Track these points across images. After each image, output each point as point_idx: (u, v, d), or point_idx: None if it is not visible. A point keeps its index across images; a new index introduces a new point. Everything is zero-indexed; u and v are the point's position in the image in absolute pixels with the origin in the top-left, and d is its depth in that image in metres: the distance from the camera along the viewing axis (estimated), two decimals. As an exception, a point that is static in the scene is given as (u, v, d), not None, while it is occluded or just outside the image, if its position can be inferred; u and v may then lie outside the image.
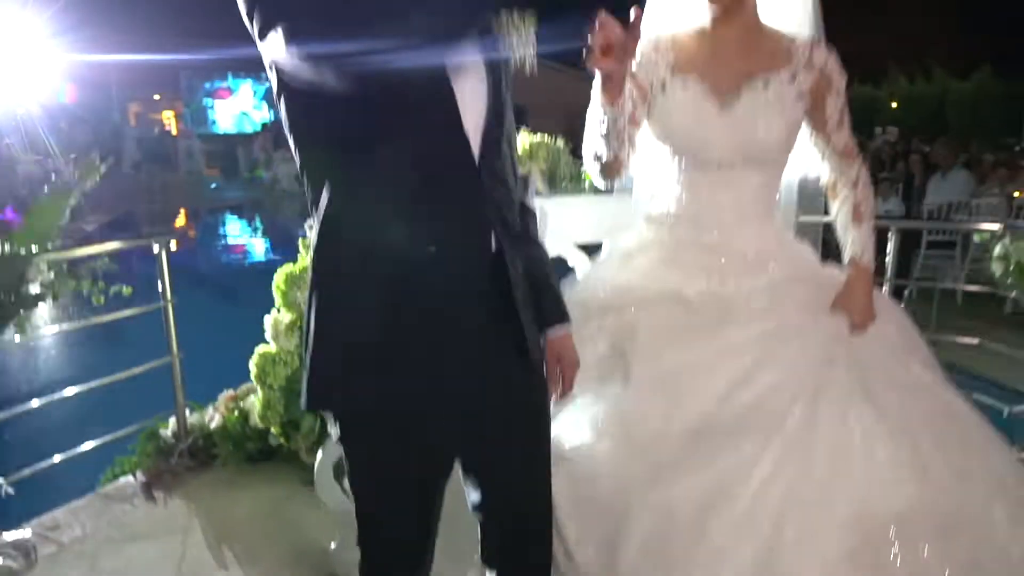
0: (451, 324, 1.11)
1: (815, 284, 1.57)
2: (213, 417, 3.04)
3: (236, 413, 3.01)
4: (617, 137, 1.41)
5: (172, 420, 3.10)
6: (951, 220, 6.82)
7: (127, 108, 27.59)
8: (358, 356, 1.11)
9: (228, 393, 3.26)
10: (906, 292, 5.68)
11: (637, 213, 1.70)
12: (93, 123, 21.02)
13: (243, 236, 15.00)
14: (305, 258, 2.66)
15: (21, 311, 2.34)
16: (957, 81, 13.62)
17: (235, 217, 16.32)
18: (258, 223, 15.89)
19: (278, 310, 2.67)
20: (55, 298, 2.42)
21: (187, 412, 3.14)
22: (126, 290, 2.56)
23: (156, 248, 2.90)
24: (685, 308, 1.45)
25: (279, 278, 2.60)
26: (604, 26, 1.18)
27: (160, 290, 2.95)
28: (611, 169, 1.50)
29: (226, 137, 25.40)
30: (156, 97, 27.55)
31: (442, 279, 1.10)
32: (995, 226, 3.01)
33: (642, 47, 1.43)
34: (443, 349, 1.11)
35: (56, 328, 2.82)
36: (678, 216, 1.58)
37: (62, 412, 3.12)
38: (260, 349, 2.68)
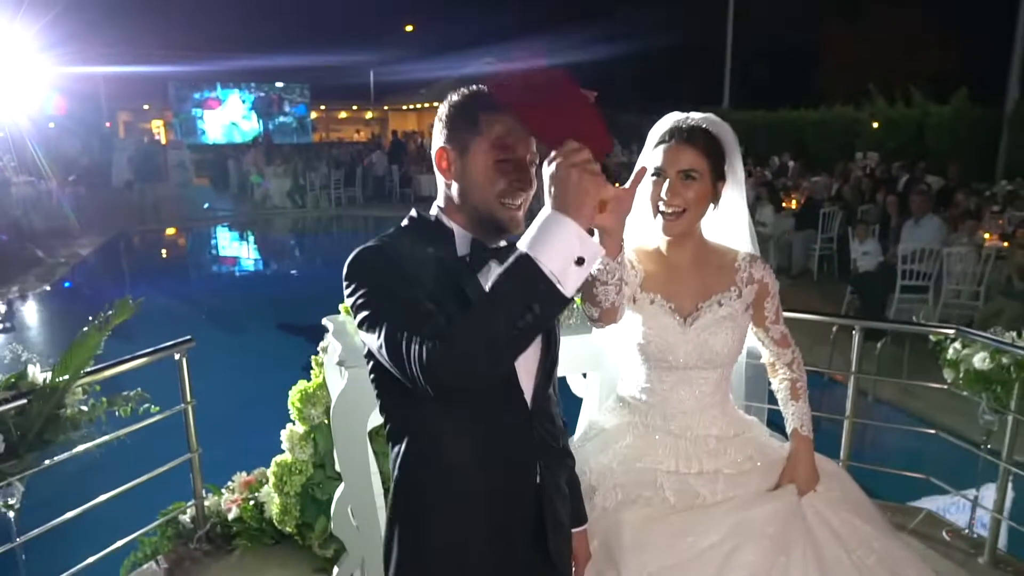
0: (502, 547, 1.35)
1: (767, 462, 1.83)
2: (231, 508, 3.27)
3: (252, 503, 3.24)
4: (616, 287, 1.53)
5: (191, 508, 3.33)
6: (924, 263, 7.14)
7: (116, 118, 27.61)
8: None
9: (243, 478, 3.50)
10: (879, 344, 5.97)
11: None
12: (82, 134, 21.07)
13: (238, 255, 15.10)
14: (318, 375, 2.89)
15: (61, 435, 2.57)
16: (936, 105, 13.96)
17: (229, 233, 16.42)
18: (251, 240, 16.02)
19: (293, 423, 2.91)
20: (91, 421, 2.64)
21: (204, 493, 3.38)
22: (154, 409, 2.78)
23: (177, 356, 3.12)
24: (661, 501, 1.70)
25: (294, 396, 2.84)
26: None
27: (181, 393, 3.17)
28: (608, 315, 1.61)
29: (216, 147, 25.47)
30: (145, 107, 27.59)
31: (498, 509, 1.34)
32: (949, 330, 3.28)
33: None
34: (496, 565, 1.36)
35: (89, 444, 3.03)
36: (648, 404, 1.85)
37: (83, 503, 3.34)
38: (277, 459, 2.92)
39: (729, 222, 1.91)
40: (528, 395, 1.36)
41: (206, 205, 17.83)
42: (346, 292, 1.30)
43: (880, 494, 4.01)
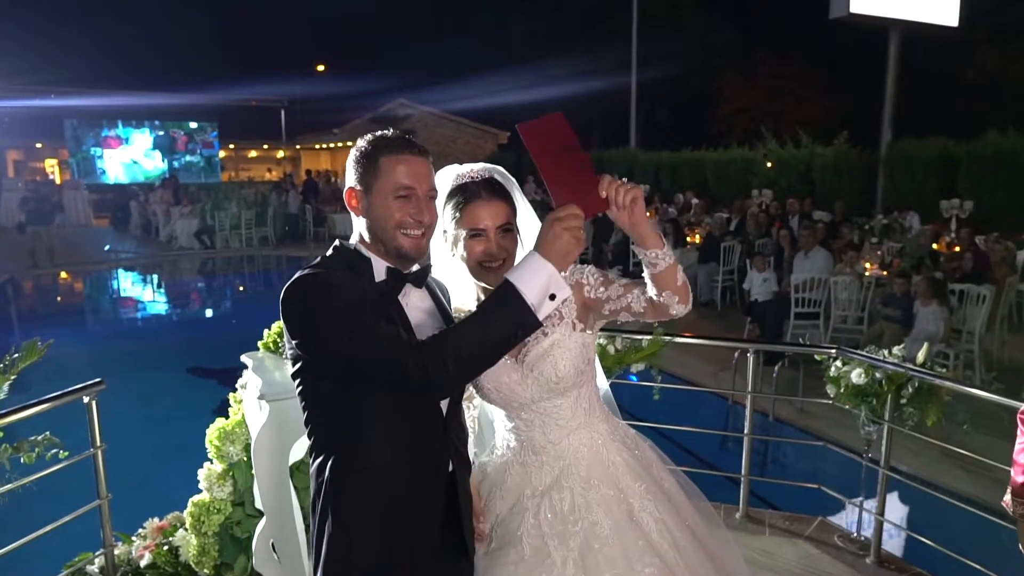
0: (421, 529, 1.56)
1: (624, 517, 1.83)
2: (143, 555, 3.18)
3: (166, 548, 3.16)
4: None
5: (99, 557, 3.21)
6: (814, 291, 7.72)
7: (5, 156, 26.09)
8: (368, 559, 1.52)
9: (155, 523, 3.40)
10: (776, 367, 6.39)
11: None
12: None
13: (143, 299, 14.45)
14: (236, 412, 2.90)
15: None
16: (821, 147, 15.15)
17: (132, 278, 15.70)
18: (156, 283, 15.37)
19: (211, 461, 2.89)
20: (-8, 470, 2.55)
21: (114, 541, 3.26)
22: (63, 454, 2.71)
23: (86, 399, 3.04)
24: (518, 554, 1.76)
25: (212, 434, 2.83)
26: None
27: (90, 437, 3.08)
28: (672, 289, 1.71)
29: (117, 187, 24.46)
30: (38, 145, 26.21)
31: (419, 497, 1.56)
32: (831, 349, 3.62)
33: None
34: (415, 546, 1.56)
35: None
36: (519, 442, 1.90)
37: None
38: (195, 499, 2.88)
39: (530, 242, 1.94)
40: (443, 405, 1.61)
41: (107, 247, 17.01)
42: (289, 314, 1.45)
43: (778, 504, 4.32)
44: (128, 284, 15.32)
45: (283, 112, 30.20)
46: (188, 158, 26.84)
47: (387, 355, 1.38)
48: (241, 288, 15.36)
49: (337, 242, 1.63)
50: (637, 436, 2.01)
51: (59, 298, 14.52)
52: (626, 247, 11.89)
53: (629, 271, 11.70)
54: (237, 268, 16.62)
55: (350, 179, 1.60)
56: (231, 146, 31.04)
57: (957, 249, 8.82)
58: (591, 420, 1.89)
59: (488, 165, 1.89)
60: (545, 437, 1.86)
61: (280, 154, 33.40)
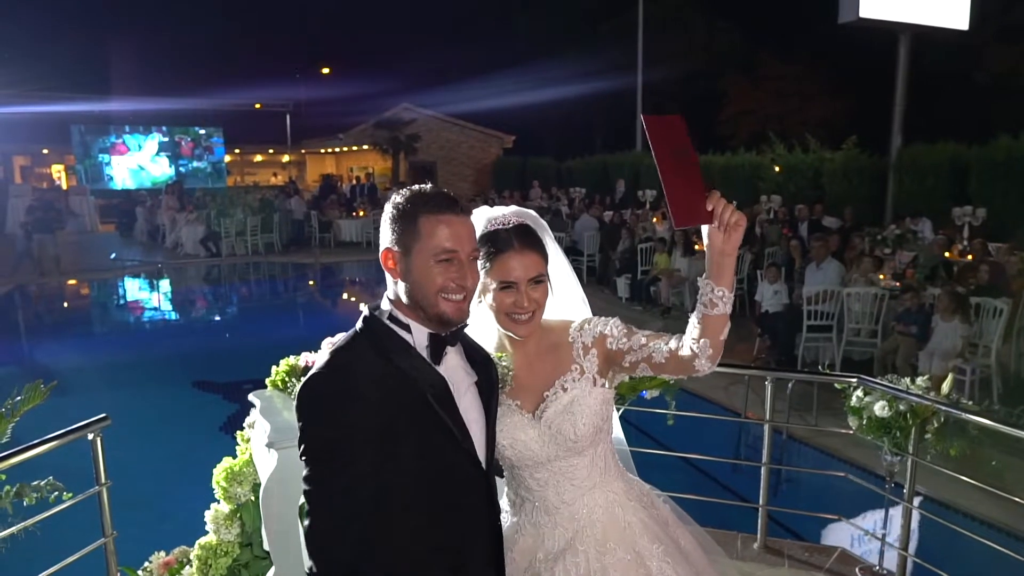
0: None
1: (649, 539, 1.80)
2: (149, 593, 3.11)
3: (172, 587, 3.09)
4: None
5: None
6: (826, 303, 7.61)
7: (12, 162, 26.13)
8: None
9: (162, 559, 3.32)
10: (791, 383, 6.28)
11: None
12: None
13: (149, 307, 14.42)
14: (244, 452, 2.82)
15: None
16: (830, 153, 15.01)
17: (138, 285, 15.68)
18: (162, 290, 15.34)
19: (218, 502, 2.81)
20: (-6, 515, 2.48)
21: (118, 579, 3.19)
22: (66, 496, 2.64)
23: (91, 436, 2.97)
24: None
25: (219, 475, 2.75)
26: None
27: (95, 475, 3.01)
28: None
29: (123, 192, 24.49)
30: (45, 151, 26.25)
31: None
32: (852, 379, 3.52)
33: None
34: None
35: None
36: (531, 504, 1.82)
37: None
38: (201, 541, 2.81)
39: (560, 291, 1.91)
40: (482, 457, 1.55)
41: (113, 255, 16.98)
42: (298, 419, 1.39)
43: (798, 533, 4.22)
44: (134, 291, 15.30)
45: (288, 116, 30.19)
46: (194, 163, 26.84)
47: (318, 535, 1.37)
48: (246, 295, 15.33)
49: (366, 311, 1.51)
50: (652, 493, 1.94)
51: (65, 305, 14.50)
52: (633, 256, 11.78)
53: (636, 279, 11.60)
54: (243, 275, 16.58)
55: (386, 239, 1.49)
56: (236, 151, 31.06)
57: (970, 257, 8.71)
58: (607, 479, 1.83)
59: (520, 210, 1.83)
60: (559, 497, 1.79)
61: (285, 158, 33.41)
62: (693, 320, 1.63)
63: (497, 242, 1.73)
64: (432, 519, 1.44)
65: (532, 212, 1.86)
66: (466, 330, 1.69)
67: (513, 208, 1.82)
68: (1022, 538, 3.07)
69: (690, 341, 1.62)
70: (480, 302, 1.75)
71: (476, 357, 1.63)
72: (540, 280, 1.74)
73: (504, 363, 1.79)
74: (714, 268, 1.58)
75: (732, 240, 1.54)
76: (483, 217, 1.77)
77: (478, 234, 1.68)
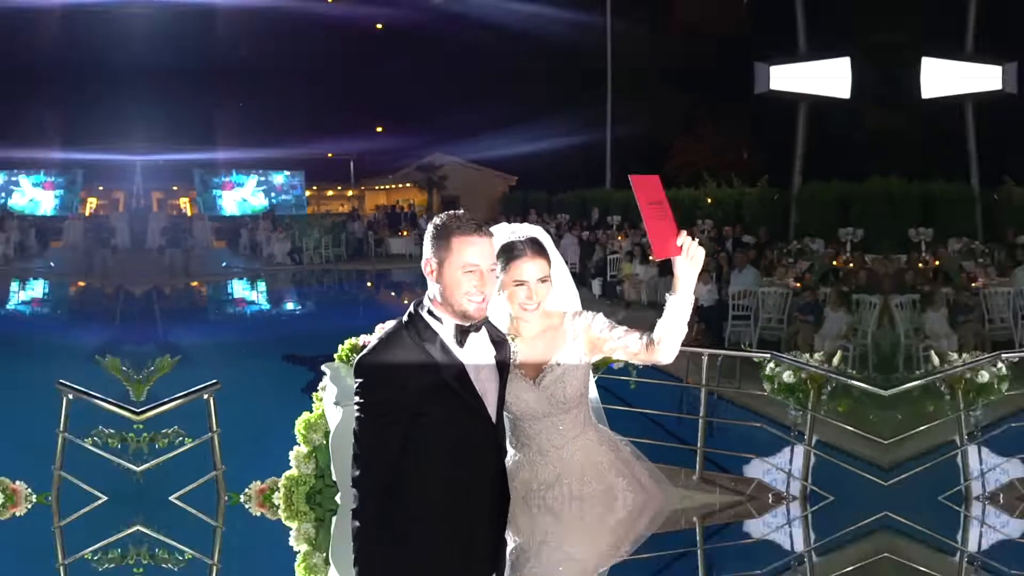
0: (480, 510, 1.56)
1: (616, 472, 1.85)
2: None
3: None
4: None
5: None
6: (746, 299, 7.56)
7: (151, 196, 26.23)
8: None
9: (258, 487, 3.24)
10: (720, 358, 6.24)
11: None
12: (127, 216, 19.90)
13: (251, 302, 14.46)
14: (319, 408, 2.81)
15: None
16: (749, 188, 14.97)
17: (242, 286, 15.73)
18: (260, 289, 15.40)
19: (299, 444, 2.80)
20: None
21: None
22: (188, 440, 2.62)
23: (206, 396, 2.95)
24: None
25: (300, 425, 2.74)
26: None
27: (208, 425, 2.98)
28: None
29: (232, 218, 24.61)
30: (175, 188, 26.38)
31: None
32: (766, 354, 3.49)
33: None
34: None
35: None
36: (529, 446, 1.82)
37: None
38: (287, 473, 2.79)
39: (559, 287, 1.90)
40: (493, 413, 1.55)
41: (224, 264, 17.10)
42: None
43: (726, 468, 4.17)
44: (239, 291, 15.37)
45: (352, 163, 30.37)
46: (283, 197, 26.96)
47: (362, 463, 1.43)
48: (321, 293, 15.40)
49: (412, 307, 1.52)
50: (618, 439, 1.96)
51: (188, 301, 14.57)
52: (604, 264, 11.80)
53: (607, 281, 11.58)
54: (319, 278, 16.71)
55: (427, 251, 1.51)
56: (314, 187, 31.17)
57: (851, 265, 8.65)
58: (585, 430, 1.85)
59: (533, 227, 1.87)
60: (550, 443, 1.81)
61: (349, 193, 33.55)
62: (660, 324, 1.69)
63: (515, 250, 1.74)
64: (451, 458, 1.46)
65: (540, 228, 1.88)
66: (487, 314, 1.67)
67: (527, 225, 1.87)
68: (886, 469, 3.09)
69: (657, 339, 1.69)
70: (500, 295, 1.75)
71: (496, 339, 1.64)
72: (545, 280, 1.75)
73: (514, 345, 1.79)
74: (681, 286, 1.64)
75: (695, 265, 1.62)
76: (506, 231, 1.79)
77: (501, 243, 1.71)
